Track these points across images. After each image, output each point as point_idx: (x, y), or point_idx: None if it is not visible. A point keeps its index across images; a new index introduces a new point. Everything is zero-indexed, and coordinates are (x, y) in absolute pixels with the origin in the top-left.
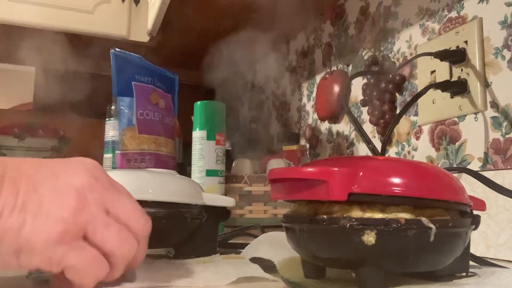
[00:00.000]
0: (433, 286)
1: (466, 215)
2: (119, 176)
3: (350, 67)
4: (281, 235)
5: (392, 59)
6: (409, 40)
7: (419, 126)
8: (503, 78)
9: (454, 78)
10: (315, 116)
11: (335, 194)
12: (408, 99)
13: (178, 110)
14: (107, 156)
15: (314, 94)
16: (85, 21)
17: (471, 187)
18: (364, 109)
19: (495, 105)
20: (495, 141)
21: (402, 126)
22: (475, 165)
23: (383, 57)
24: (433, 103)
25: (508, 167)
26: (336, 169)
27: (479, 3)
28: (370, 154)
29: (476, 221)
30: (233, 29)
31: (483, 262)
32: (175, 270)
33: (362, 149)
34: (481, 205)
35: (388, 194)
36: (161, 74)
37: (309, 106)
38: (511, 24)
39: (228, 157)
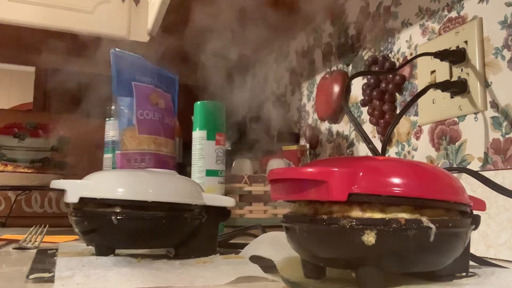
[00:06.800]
0: (433, 286)
1: (466, 215)
2: (119, 176)
3: (350, 67)
4: (281, 235)
5: (392, 59)
6: (409, 40)
7: (419, 126)
8: (503, 78)
9: (454, 78)
10: (315, 116)
11: (335, 194)
12: (408, 99)
13: (178, 110)
14: (107, 156)
15: (314, 94)
16: (85, 21)
17: (471, 187)
18: (364, 109)
19: (495, 105)
20: (495, 141)
21: (402, 126)
22: (475, 165)
23: (383, 57)
24: (433, 103)
25: (508, 167)
26: (336, 169)
27: (479, 3)
28: (370, 154)
29: (476, 221)
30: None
31: (483, 262)
32: (175, 270)
33: (362, 149)
34: (481, 205)
35: (388, 194)
36: (161, 74)
37: (309, 106)
38: (511, 24)
39: (228, 157)
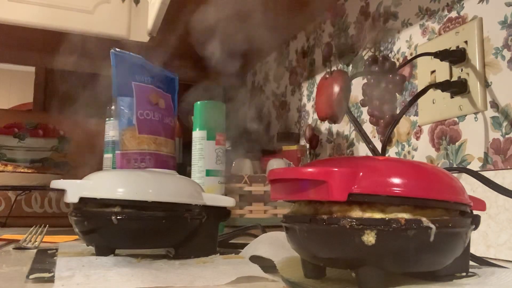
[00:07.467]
0: (433, 286)
1: (466, 215)
2: (119, 176)
3: (350, 67)
4: (281, 235)
5: (392, 59)
6: (409, 40)
7: (419, 126)
8: (503, 78)
9: (454, 78)
10: (315, 116)
11: (335, 195)
12: (408, 99)
13: (178, 110)
14: (107, 156)
15: (314, 94)
16: (85, 21)
17: (471, 187)
18: (364, 109)
19: (495, 105)
20: (495, 141)
21: (402, 126)
22: (475, 165)
23: (383, 57)
24: (433, 103)
25: (508, 167)
26: (336, 169)
27: (479, 3)
28: (370, 154)
29: (476, 221)
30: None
31: (483, 262)
32: (175, 270)
33: (362, 149)
34: (481, 205)
35: (388, 194)
36: (161, 74)
37: (309, 106)
38: (511, 24)
39: (228, 157)
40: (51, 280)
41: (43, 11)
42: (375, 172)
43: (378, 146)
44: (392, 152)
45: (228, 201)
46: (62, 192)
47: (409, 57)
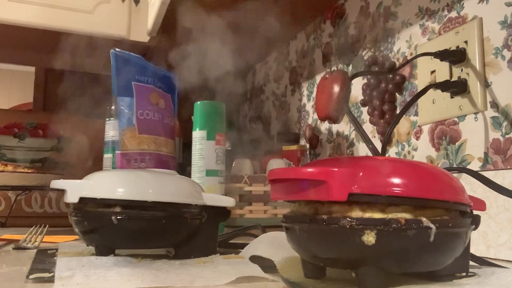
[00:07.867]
0: (433, 286)
1: (466, 215)
2: (119, 176)
3: (350, 67)
4: (281, 235)
5: (392, 59)
6: (409, 40)
7: (419, 126)
8: (503, 78)
9: (454, 78)
10: (315, 116)
11: (335, 195)
12: (408, 99)
13: (178, 110)
14: (107, 156)
15: (314, 94)
16: (85, 21)
17: (471, 187)
18: (364, 109)
19: (495, 105)
20: (495, 141)
21: (402, 126)
22: (475, 165)
23: (383, 57)
24: (433, 103)
25: (508, 167)
26: (336, 169)
27: (479, 3)
28: (370, 154)
29: (476, 221)
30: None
31: (483, 262)
32: (175, 270)
33: (362, 149)
34: (481, 205)
35: (388, 194)
36: (161, 74)
37: (309, 106)
38: (511, 24)
39: (228, 157)
40: (51, 280)
41: (43, 11)
42: (375, 172)
43: (378, 146)
44: (392, 152)
45: (228, 201)
46: (62, 192)
47: (409, 57)
